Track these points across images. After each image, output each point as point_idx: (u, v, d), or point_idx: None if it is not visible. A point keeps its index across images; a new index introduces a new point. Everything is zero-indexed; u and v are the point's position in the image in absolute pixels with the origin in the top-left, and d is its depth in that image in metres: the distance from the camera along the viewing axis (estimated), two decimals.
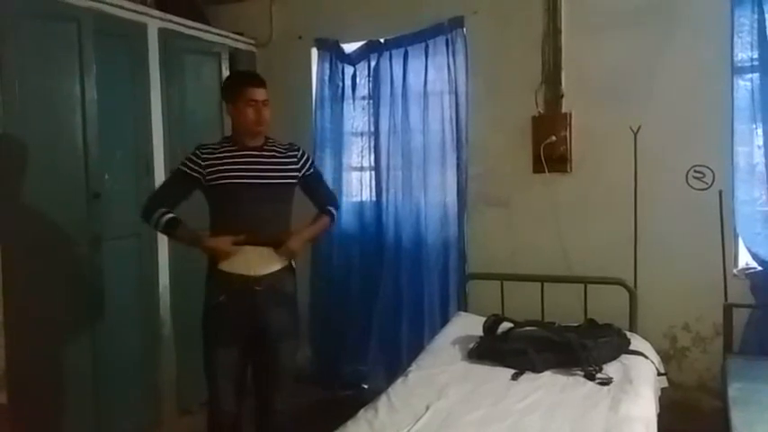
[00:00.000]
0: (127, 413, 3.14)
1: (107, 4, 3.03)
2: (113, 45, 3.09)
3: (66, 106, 2.84)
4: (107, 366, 3.01)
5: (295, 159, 2.55)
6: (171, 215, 2.43)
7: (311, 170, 2.62)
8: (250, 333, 2.47)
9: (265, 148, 2.50)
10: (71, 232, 2.88)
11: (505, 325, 2.84)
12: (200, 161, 2.43)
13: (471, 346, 2.80)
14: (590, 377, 2.45)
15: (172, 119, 3.41)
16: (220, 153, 2.45)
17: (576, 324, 2.89)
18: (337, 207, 2.76)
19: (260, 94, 2.43)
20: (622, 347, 2.73)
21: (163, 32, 3.37)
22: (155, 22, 3.33)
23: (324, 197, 2.71)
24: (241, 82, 2.47)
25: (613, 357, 2.65)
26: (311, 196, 2.68)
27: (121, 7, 3.13)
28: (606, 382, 2.41)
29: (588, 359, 2.51)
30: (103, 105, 2.97)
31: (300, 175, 2.56)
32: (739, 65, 3.01)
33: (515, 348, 2.64)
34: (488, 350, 2.72)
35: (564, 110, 3.39)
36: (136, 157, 3.24)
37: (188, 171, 2.44)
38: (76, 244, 2.90)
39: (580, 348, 2.54)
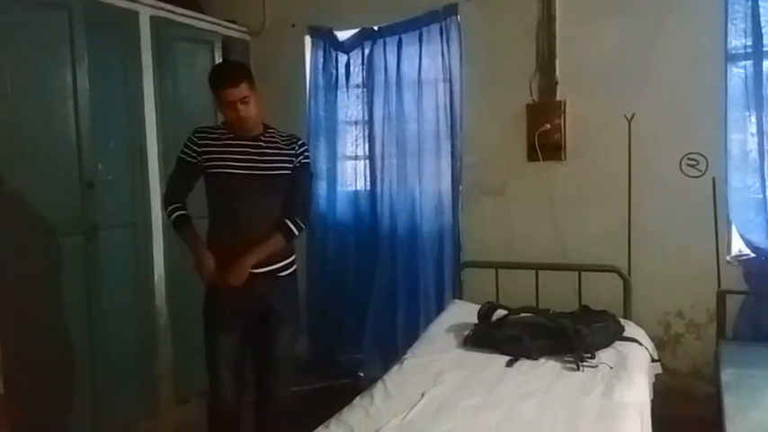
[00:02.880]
0: (124, 403, 3.15)
1: None
2: (105, 33, 3.06)
3: (58, 95, 2.82)
4: (103, 356, 3.01)
5: (295, 146, 2.46)
6: (180, 212, 2.42)
7: (300, 164, 2.46)
8: (250, 319, 2.46)
9: (262, 138, 2.43)
10: (65, 222, 2.86)
11: (500, 312, 2.85)
12: (195, 146, 2.40)
13: (466, 333, 2.81)
14: (584, 363, 2.45)
15: (165, 107, 3.38)
16: (217, 140, 2.40)
17: (570, 311, 2.91)
18: (304, 219, 2.48)
19: (233, 94, 2.28)
20: (617, 334, 2.74)
21: (155, 20, 3.33)
22: (146, 10, 3.29)
23: (293, 203, 2.46)
24: (214, 84, 2.33)
25: (607, 344, 2.66)
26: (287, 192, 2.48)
27: None
28: (600, 368, 2.42)
29: (582, 345, 2.52)
30: (96, 94, 2.94)
31: (292, 166, 2.45)
32: (733, 52, 3.01)
33: (510, 335, 2.65)
34: (483, 337, 2.73)
35: (558, 98, 3.38)
36: (129, 146, 3.23)
37: (187, 158, 2.42)
38: (71, 234, 2.89)
39: (574, 334, 2.55)
